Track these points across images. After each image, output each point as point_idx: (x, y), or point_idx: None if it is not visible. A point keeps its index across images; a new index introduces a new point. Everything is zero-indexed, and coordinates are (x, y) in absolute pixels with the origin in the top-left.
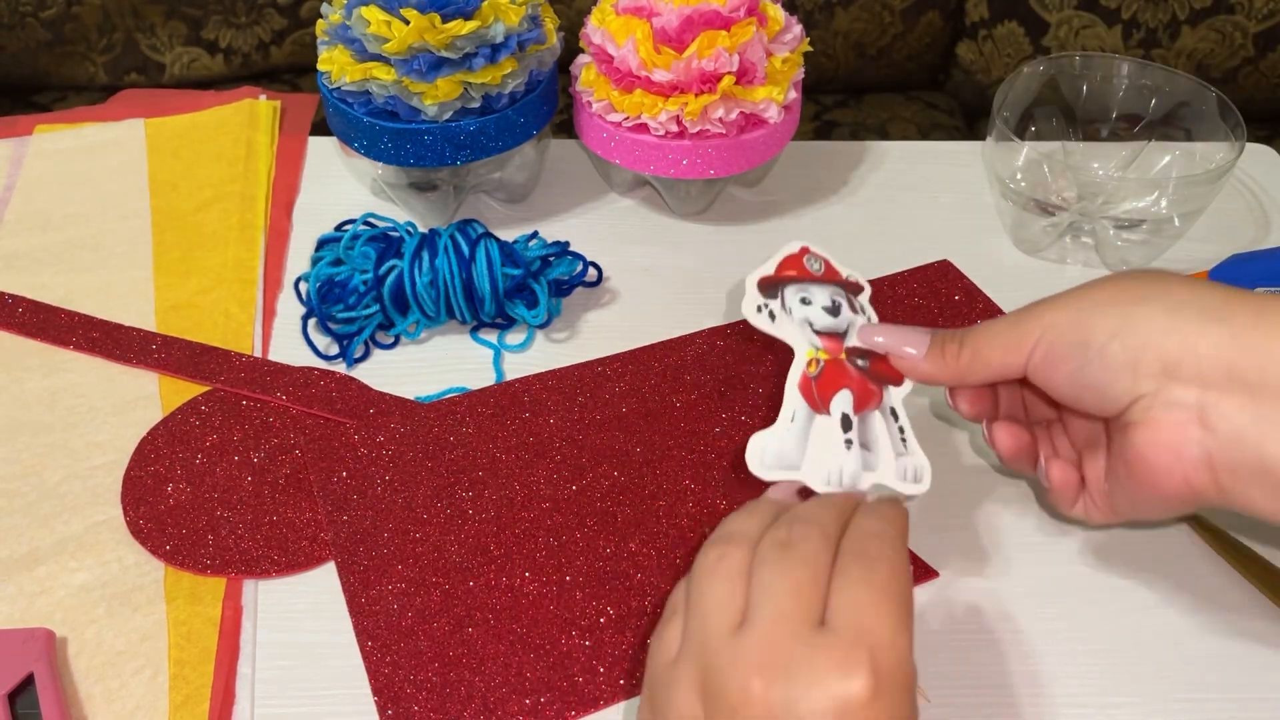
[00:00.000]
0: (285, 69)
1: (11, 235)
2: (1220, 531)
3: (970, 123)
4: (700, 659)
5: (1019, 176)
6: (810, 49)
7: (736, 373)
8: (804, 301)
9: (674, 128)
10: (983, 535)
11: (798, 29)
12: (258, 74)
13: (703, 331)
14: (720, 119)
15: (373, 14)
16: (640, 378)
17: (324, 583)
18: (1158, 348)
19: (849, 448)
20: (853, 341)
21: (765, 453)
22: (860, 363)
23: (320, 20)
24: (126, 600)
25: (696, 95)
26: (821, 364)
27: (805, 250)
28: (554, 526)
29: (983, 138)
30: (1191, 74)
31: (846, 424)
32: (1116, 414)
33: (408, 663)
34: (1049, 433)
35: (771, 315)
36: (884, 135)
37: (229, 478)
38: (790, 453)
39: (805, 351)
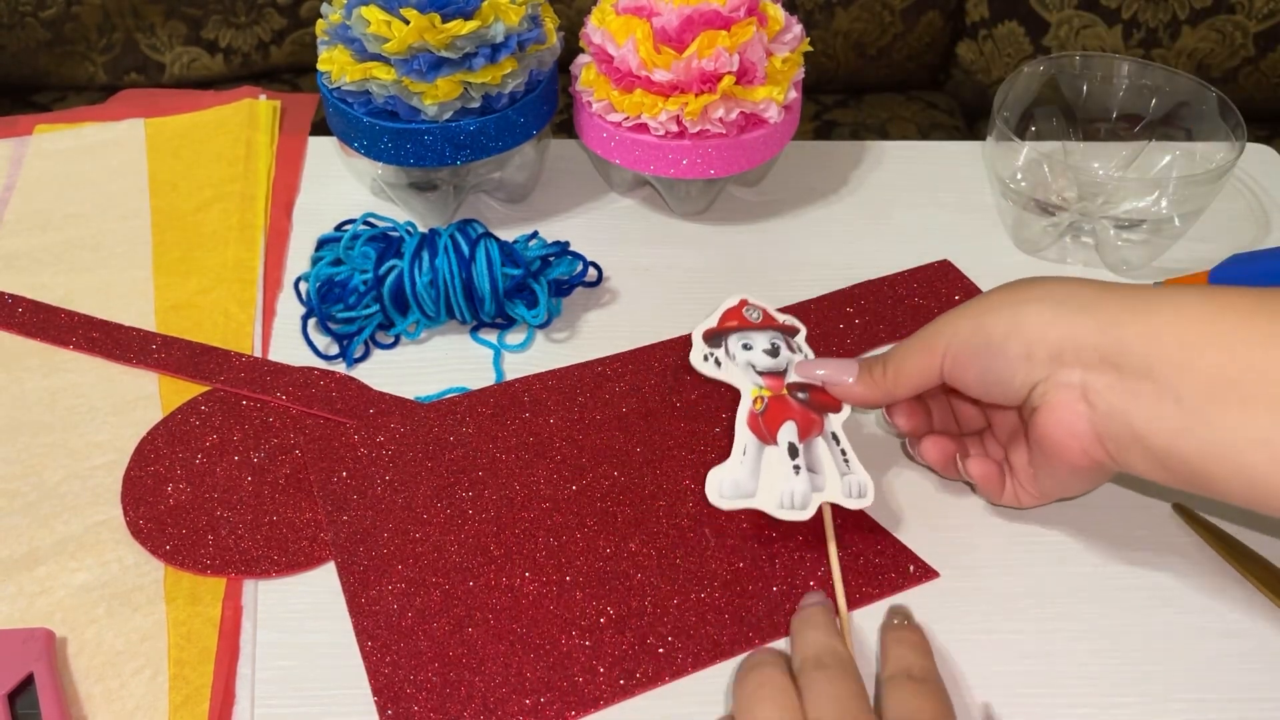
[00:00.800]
0: (285, 69)
1: (11, 235)
2: (1219, 530)
3: (970, 123)
4: None
5: (1019, 176)
6: (810, 49)
7: None
8: (746, 347)
9: (674, 128)
10: (982, 535)
11: (798, 29)
12: (258, 74)
13: None
14: (720, 119)
15: (373, 14)
16: (640, 378)
17: (324, 583)
18: (1045, 339)
19: (798, 473)
20: (792, 378)
21: (723, 485)
22: (801, 395)
23: (320, 20)
24: (126, 600)
25: (696, 95)
26: (766, 400)
27: (744, 302)
28: (554, 526)
29: (983, 138)
30: (1192, 74)
31: (793, 451)
32: (1022, 401)
33: (408, 663)
34: (980, 438)
35: (717, 362)
36: (884, 135)
37: (229, 478)
38: (745, 482)
39: (750, 391)
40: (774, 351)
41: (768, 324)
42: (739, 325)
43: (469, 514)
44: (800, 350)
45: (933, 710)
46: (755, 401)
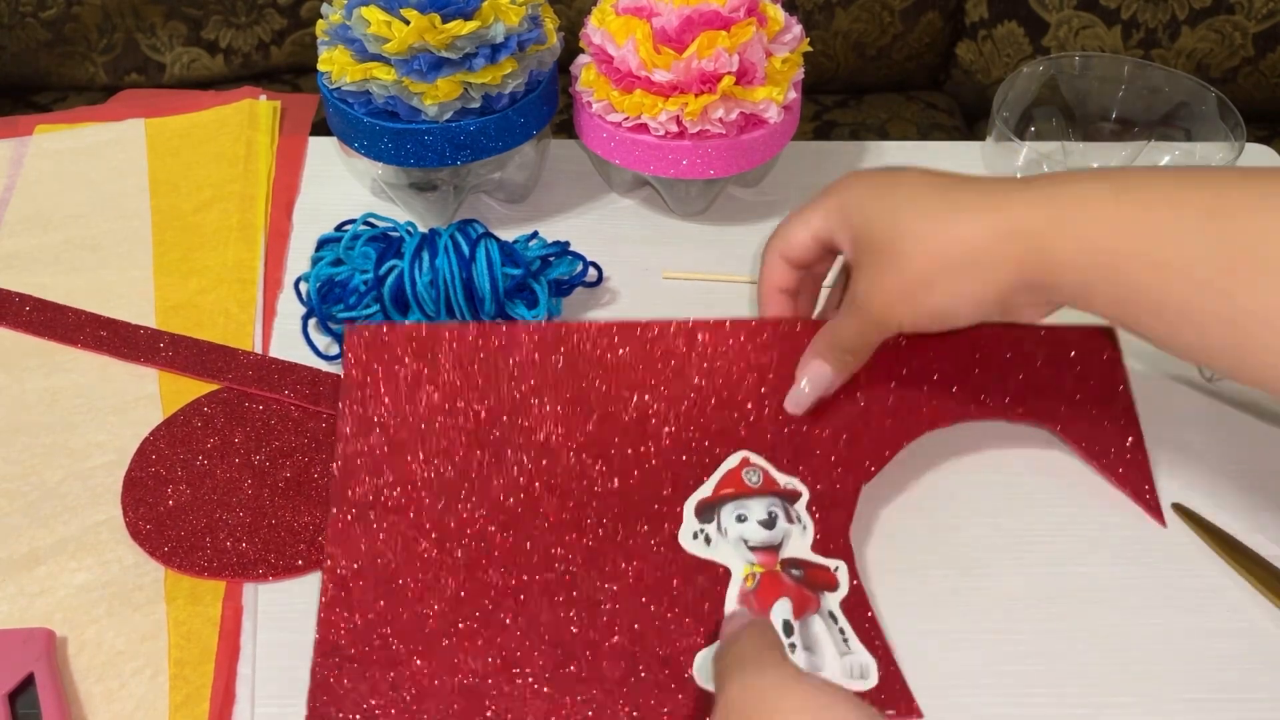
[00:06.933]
0: (285, 69)
1: (11, 235)
2: (1219, 530)
3: (970, 123)
4: None
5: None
6: (810, 49)
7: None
8: (740, 519)
9: (674, 128)
10: (982, 536)
11: (797, 29)
12: (258, 74)
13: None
14: (720, 119)
15: (373, 14)
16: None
17: None
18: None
19: (793, 651)
20: (787, 553)
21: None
22: (795, 573)
23: (320, 20)
24: (126, 600)
25: (696, 95)
26: (758, 577)
27: (745, 462)
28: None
29: (983, 138)
30: (1191, 74)
31: (788, 630)
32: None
33: (365, 612)
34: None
35: (707, 539)
36: (884, 135)
37: (229, 480)
38: None
39: (742, 569)
40: (770, 523)
41: (768, 488)
42: (735, 492)
43: (493, 483)
44: (799, 519)
45: None
46: (746, 579)
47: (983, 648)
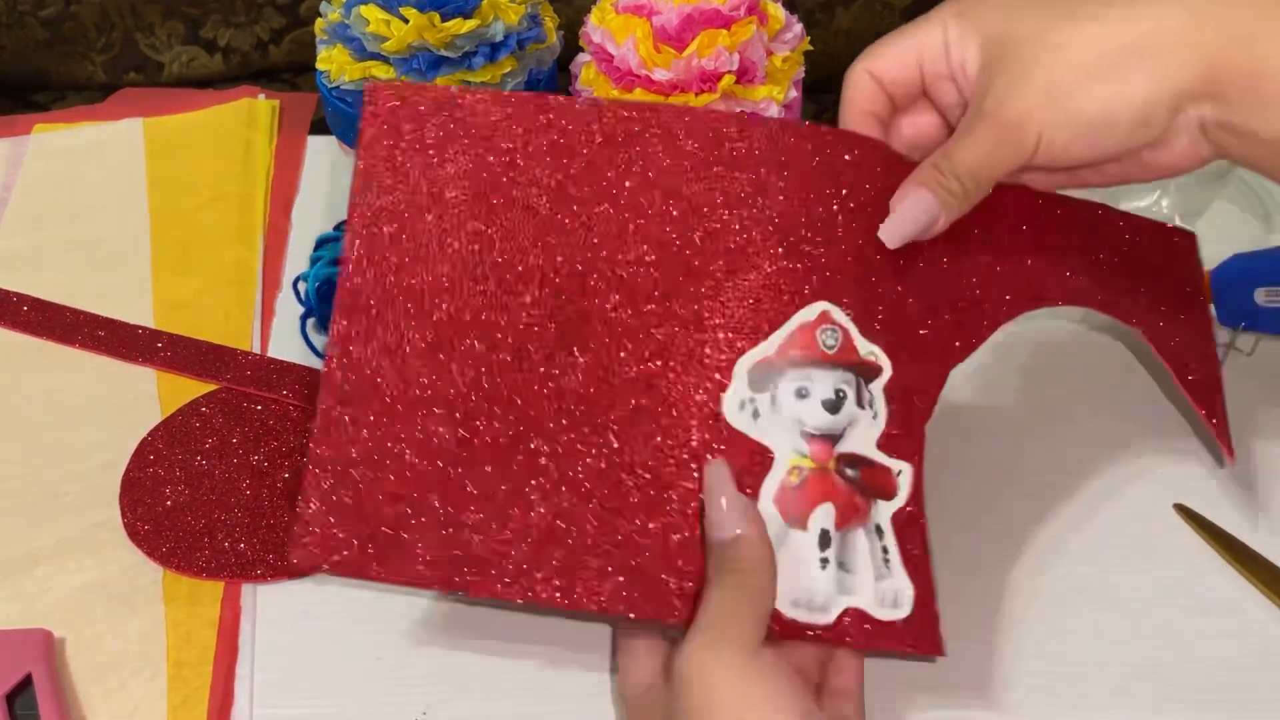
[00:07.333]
0: (284, 68)
1: (10, 235)
2: (1219, 530)
3: None
4: None
5: None
6: (811, 48)
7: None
8: (800, 394)
9: None
10: (983, 537)
11: (798, 28)
12: (256, 73)
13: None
14: None
15: (372, 12)
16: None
17: (323, 583)
18: (1159, 103)
19: (824, 567)
20: (848, 446)
21: None
22: (850, 473)
23: (319, 19)
24: (125, 601)
25: (696, 94)
26: (805, 473)
27: (825, 316)
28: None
29: None
30: None
31: (825, 541)
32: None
33: (370, 436)
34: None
35: (755, 413)
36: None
37: (227, 480)
38: None
39: (789, 459)
40: (835, 404)
41: (844, 357)
42: (804, 356)
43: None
44: (872, 405)
45: None
46: (790, 473)
47: (982, 649)
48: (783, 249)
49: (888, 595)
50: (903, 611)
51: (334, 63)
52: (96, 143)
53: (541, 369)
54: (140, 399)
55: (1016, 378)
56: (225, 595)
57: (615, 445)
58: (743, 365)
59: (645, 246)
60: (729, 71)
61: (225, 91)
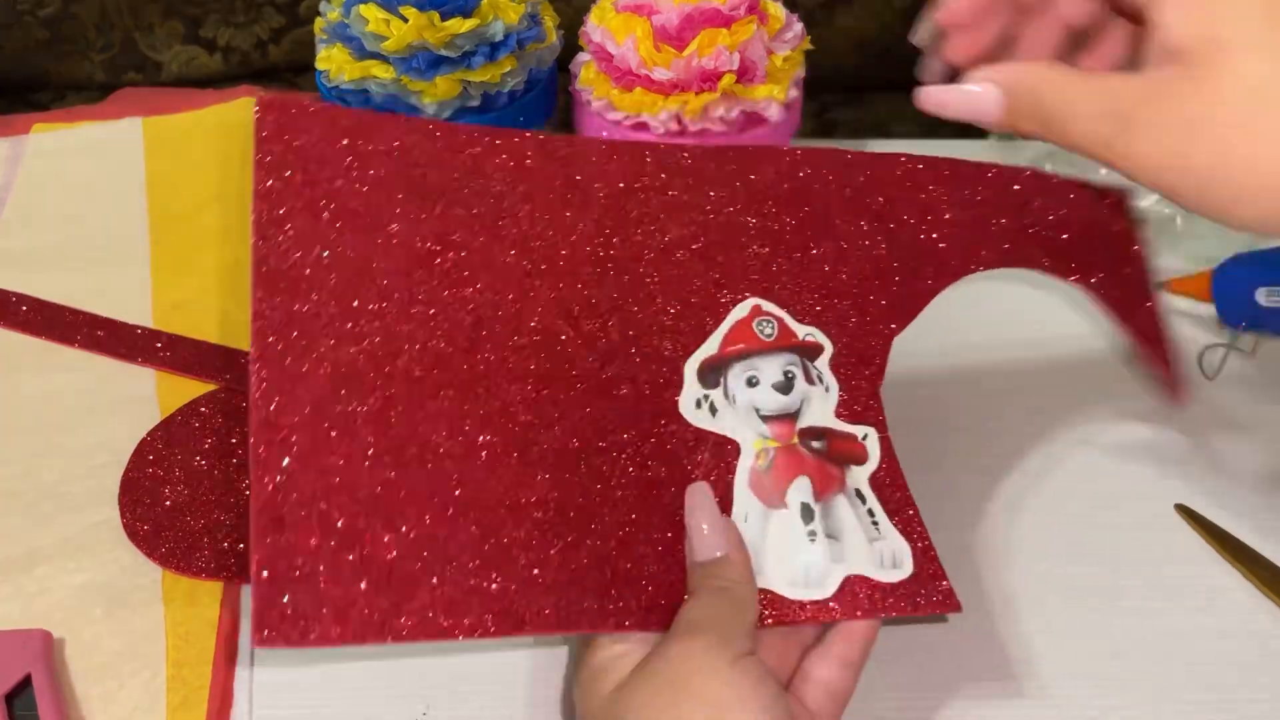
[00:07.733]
0: (284, 67)
1: (9, 235)
2: (1220, 530)
3: None
4: None
5: None
6: (811, 47)
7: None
8: (750, 383)
9: (674, 126)
10: (981, 536)
11: (798, 27)
12: (256, 72)
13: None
14: (721, 117)
15: (371, 12)
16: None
17: None
18: None
19: (813, 540)
20: (807, 421)
21: None
22: (816, 445)
23: (319, 18)
24: (124, 601)
25: (697, 93)
26: (771, 454)
27: (757, 310)
28: (541, 373)
29: (985, 137)
30: None
31: (807, 515)
32: None
33: (312, 483)
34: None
35: (713, 409)
36: (886, 134)
37: (227, 481)
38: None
39: (752, 444)
40: (786, 386)
41: (784, 342)
42: (746, 349)
43: (445, 298)
44: (820, 380)
45: None
46: (758, 456)
47: (983, 648)
48: (708, 255)
49: (886, 556)
50: (905, 571)
51: (333, 62)
52: (96, 142)
53: (509, 405)
54: (139, 400)
55: (1016, 380)
56: (224, 596)
57: (584, 469)
58: (690, 366)
59: (585, 269)
60: (729, 71)
61: (225, 91)
